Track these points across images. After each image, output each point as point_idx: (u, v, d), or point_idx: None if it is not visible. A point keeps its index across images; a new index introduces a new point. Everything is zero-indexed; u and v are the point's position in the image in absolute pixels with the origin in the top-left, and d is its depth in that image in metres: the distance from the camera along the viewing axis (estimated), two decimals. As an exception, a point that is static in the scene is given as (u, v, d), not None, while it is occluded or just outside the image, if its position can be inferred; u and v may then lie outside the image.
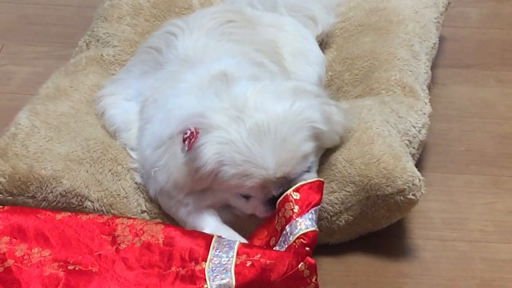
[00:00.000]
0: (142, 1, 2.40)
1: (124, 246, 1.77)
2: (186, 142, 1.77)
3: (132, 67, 2.13)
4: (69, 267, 1.74)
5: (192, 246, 1.74)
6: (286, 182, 1.75)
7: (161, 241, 1.76)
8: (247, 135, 1.74)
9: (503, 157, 2.16)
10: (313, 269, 1.68)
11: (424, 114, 2.02)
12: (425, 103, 2.06)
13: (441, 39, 2.44)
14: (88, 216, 1.84)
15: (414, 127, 1.97)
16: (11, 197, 1.90)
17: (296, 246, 1.69)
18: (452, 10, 2.53)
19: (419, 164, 1.98)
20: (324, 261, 1.82)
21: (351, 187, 1.83)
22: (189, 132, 1.77)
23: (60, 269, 1.74)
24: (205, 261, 1.71)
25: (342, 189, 1.84)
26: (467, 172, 2.11)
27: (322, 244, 1.79)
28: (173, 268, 1.72)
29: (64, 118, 2.02)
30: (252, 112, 1.76)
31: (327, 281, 1.79)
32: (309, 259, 1.68)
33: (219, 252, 1.72)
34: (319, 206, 1.75)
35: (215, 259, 1.71)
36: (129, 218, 1.85)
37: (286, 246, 1.71)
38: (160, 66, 2.04)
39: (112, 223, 1.81)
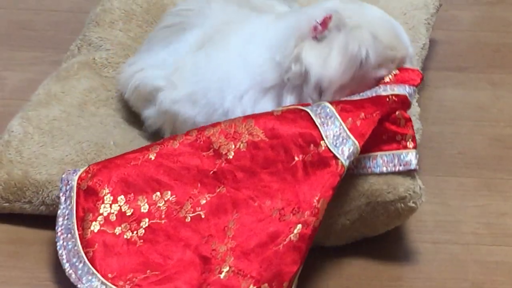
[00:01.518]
0: (134, 6, 2.39)
1: (232, 154, 1.61)
2: (319, 27, 1.73)
3: (153, 37, 2.10)
4: (201, 201, 1.60)
5: (300, 131, 1.63)
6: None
7: (263, 136, 1.62)
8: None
9: (496, 160, 2.16)
10: (408, 120, 1.69)
11: (418, 119, 2.00)
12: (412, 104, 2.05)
13: (433, 42, 2.44)
14: (177, 142, 1.67)
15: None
16: (7, 204, 1.90)
17: (388, 100, 1.67)
18: (444, 13, 2.53)
19: (411, 167, 1.98)
20: (318, 264, 1.82)
21: (351, 191, 1.80)
22: (321, 18, 1.74)
23: (197, 208, 1.58)
24: (323, 140, 1.62)
25: (342, 192, 1.80)
26: (460, 174, 2.11)
27: (317, 246, 1.79)
28: (296, 158, 1.60)
29: (57, 123, 2.02)
30: None
31: (320, 285, 1.79)
32: (403, 112, 1.68)
33: (327, 126, 1.64)
34: (415, 88, 1.76)
35: (328, 133, 1.63)
36: (213, 125, 1.68)
37: (373, 94, 1.69)
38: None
39: (202, 136, 1.65)
